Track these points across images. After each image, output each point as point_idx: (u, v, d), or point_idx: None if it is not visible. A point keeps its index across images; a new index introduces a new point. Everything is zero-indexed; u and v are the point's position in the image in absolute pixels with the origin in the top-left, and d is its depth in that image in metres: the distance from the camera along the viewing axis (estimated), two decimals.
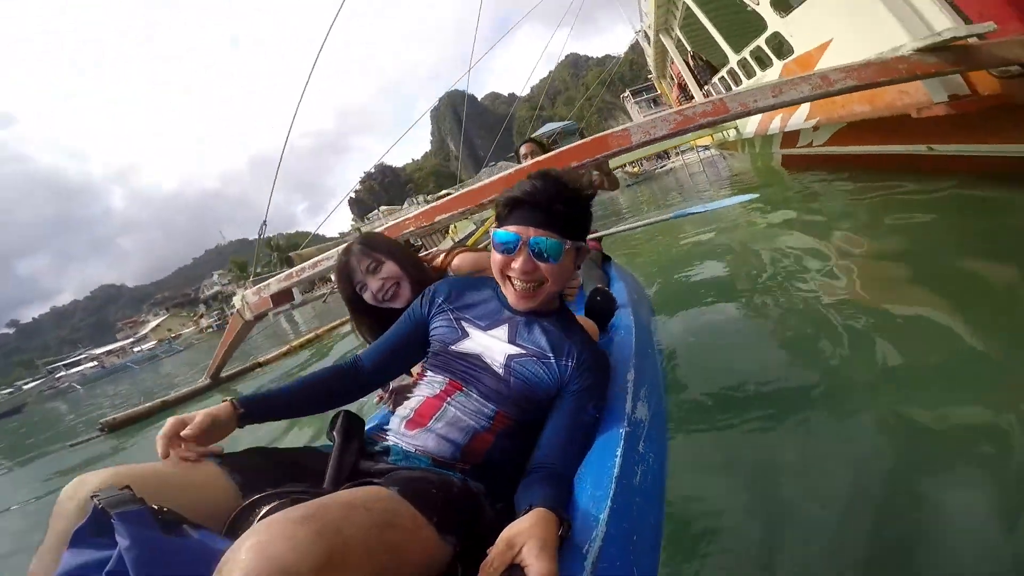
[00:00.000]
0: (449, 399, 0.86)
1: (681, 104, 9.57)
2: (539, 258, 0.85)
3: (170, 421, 0.75)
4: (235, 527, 0.65)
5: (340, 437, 0.82)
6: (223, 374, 5.18)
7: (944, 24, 2.55)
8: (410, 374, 1.17)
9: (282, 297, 3.39)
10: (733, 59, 5.89)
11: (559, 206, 0.85)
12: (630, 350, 1.22)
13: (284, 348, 6.22)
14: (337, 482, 0.75)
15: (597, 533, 0.62)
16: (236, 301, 3.87)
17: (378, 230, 2.80)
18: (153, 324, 60.04)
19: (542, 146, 2.57)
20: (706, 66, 7.50)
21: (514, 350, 0.88)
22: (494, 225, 0.90)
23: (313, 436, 2.44)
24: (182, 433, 0.74)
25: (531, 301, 0.88)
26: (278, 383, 0.91)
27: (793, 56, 4.20)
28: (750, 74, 5.57)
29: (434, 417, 0.84)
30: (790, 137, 5.28)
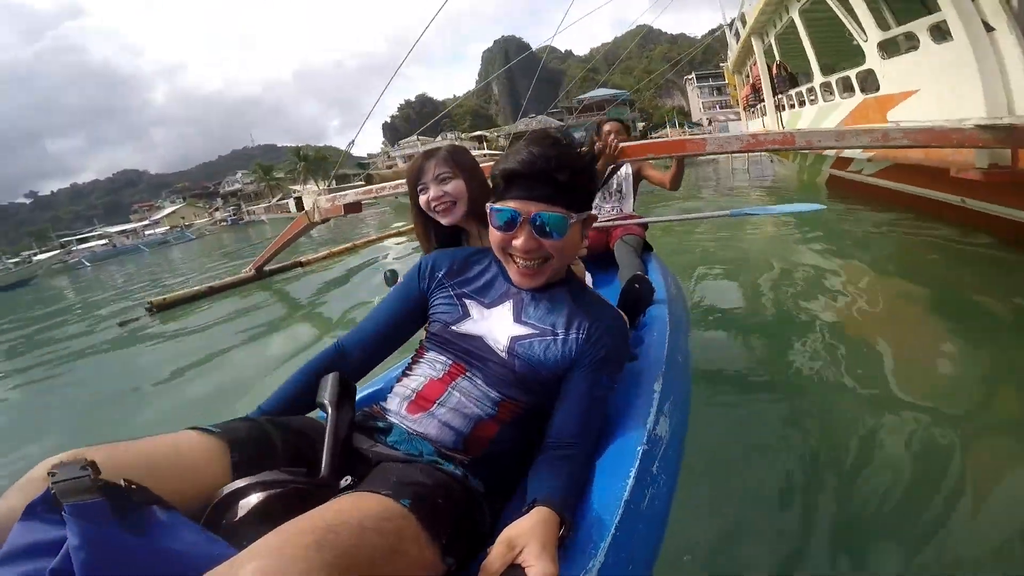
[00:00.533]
0: (453, 383, 0.81)
1: (748, 103, 9.43)
2: (542, 235, 0.78)
3: None
4: (216, 515, 0.61)
5: (332, 409, 0.77)
6: (267, 267, 5.49)
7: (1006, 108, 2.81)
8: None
9: (351, 208, 3.66)
10: (818, 79, 5.91)
11: (562, 176, 0.76)
12: (661, 355, 1.15)
13: (324, 252, 6.50)
14: (334, 467, 0.71)
15: (594, 564, 0.61)
16: (307, 203, 4.21)
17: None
18: (168, 211, 60.87)
19: (627, 129, 2.50)
20: (787, 76, 7.37)
21: (518, 331, 0.83)
22: (491, 199, 0.82)
23: None
24: None
25: (535, 279, 0.82)
26: (275, 383, 0.86)
27: (876, 94, 4.35)
28: (828, 97, 5.62)
29: (437, 401, 0.80)
30: (843, 161, 5.26)
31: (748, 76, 9.86)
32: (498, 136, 64.64)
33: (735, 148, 2.65)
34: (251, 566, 0.42)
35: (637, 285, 1.55)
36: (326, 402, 0.77)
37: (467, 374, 0.81)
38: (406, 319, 0.92)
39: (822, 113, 5.88)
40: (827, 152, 5.49)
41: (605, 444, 0.83)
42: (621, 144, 2.26)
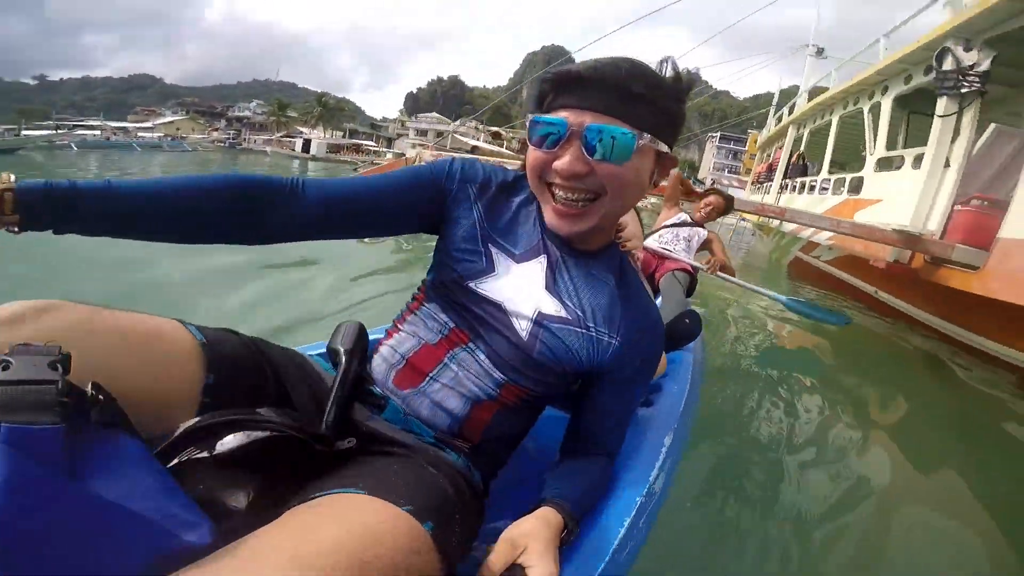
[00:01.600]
0: (450, 352, 0.67)
1: (759, 179, 10.13)
2: (595, 154, 0.57)
3: None
4: (173, 450, 0.48)
5: (346, 358, 0.66)
6: None
7: (933, 226, 3.63)
8: None
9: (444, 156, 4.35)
10: (823, 175, 6.80)
11: (637, 86, 0.57)
12: (678, 408, 1.15)
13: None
14: (337, 424, 0.60)
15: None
16: (411, 153, 4.65)
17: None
18: (168, 119, 59.73)
19: (730, 203, 2.81)
20: (802, 166, 8.11)
21: (548, 305, 0.66)
22: (530, 110, 0.64)
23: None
24: None
25: (577, 223, 0.62)
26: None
27: (856, 196, 5.22)
28: (823, 191, 6.50)
29: (430, 374, 0.66)
30: (811, 245, 5.78)
31: (769, 156, 10.52)
32: (513, 137, 65.24)
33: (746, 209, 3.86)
34: None
35: (688, 320, 1.50)
36: (340, 349, 0.67)
37: (469, 344, 0.66)
38: (404, 207, 0.69)
39: (812, 202, 6.49)
40: (801, 235, 6.02)
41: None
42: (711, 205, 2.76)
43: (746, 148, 54.61)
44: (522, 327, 0.65)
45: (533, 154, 0.61)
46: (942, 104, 3.84)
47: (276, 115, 55.25)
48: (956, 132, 3.76)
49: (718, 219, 2.96)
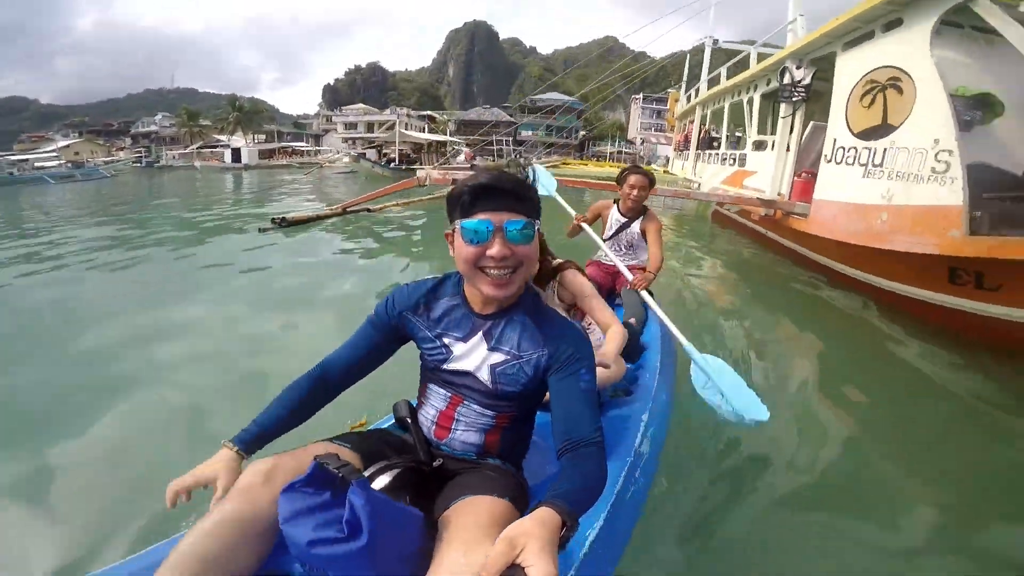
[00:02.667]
0: (456, 412, 1.04)
1: (680, 145, 12.57)
2: (514, 242, 0.88)
3: (183, 484, 0.88)
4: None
5: (413, 421, 1.10)
6: (349, 209, 7.90)
7: (784, 190, 5.82)
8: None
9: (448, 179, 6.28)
10: (723, 149, 9.03)
11: (521, 190, 0.90)
12: (649, 392, 1.54)
13: (397, 202, 8.74)
14: (427, 455, 1.05)
15: (584, 551, 0.89)
16: (419, 173, 6.55)
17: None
18: (61, 144, 54.74)
19: (652, 182, 2.66)
20: (709, 138, 10.32)
21: (495, 358, 1.00)
22: (456, 218, 0.90)
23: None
24: (215, 505, 0.84)
25: (508, 288, 0.92)
26: (266, 406, 1.02)
27: (743, 168, 7.45)
28: (724, 161, 8.64)
29: (451, 428, 1.05)
30: (719, 201, 8.09)
31: (685, 127, 12.80)
32: (448, 120, 65.49)
33: (668, 193, 6.23)
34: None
35: (632, 322, 2.02)
36: (405, 417, 1.10)
37: (464, 402, 1.03)
38: (379, 347, 1.08)
39: (718, 169, 8.75)
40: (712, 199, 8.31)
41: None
42: (639, 188, 2.63)
43: (667, 106, 58.48)
44: (486, 378, 1.00)
45: (466, 249, 0.88)
46: (782, 108, 5.98)
47: (187, 126, 52.23)
48: (791, 126, 5.92)
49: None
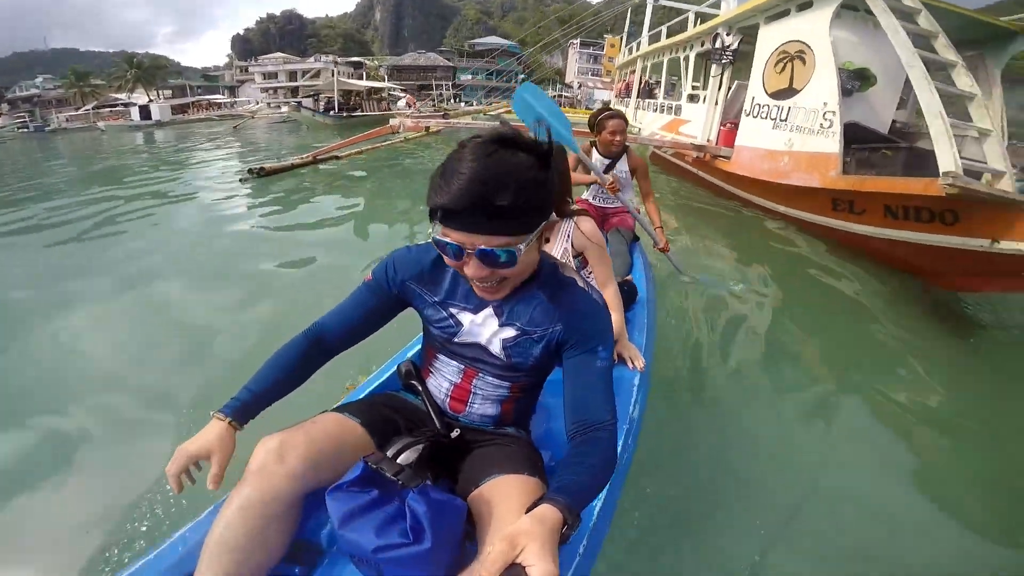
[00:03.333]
0: (472, 385, 1.02)
1: (621, 92, 13.61)
2: (492, 265, 0.78)
3: (177, 464, 0.83)
4: (385, 462, 0.82)
5: (423, 386, 1.08)
6: (319, 157, 8.36)
7: (712, 136, 6.77)
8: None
9: (430, 129, 7.94)
10: (660, 99, 10.15)
11: (504, 199, 0.70)
12: (640, 351, 1.58)
13: (361, 149, 9.07)
14: (444, 425, 1.03)
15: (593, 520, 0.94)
16: (392, 121, 7.23)
17: None
18: None
19: (626, 121, 2.71)
20: (648, 88, 11.29)
21: (506, 333, 0.95)
22: (433, 224, 0.77)
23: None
24: (212, 484, 0.84)
25: (495, 294, 0.87)
26: (251, 373, 0.96)
27: (679, 116, 8.57)
28: (661, 110, 9.73)
29: (468, 401, 1.04)
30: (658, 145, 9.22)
31: (626, 76, 13.72)
32: (379, 66, 62.37)
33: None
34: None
35: (625, 288, 1.92)
36: (416, 384, 1.08)
37: (479, 375, 1.01)
38: (378, 314, 1.02)
39: (656, 117, 9.83)
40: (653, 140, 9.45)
41: None
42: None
43: (604, 52, 59.09)
44: (498, 351, 0.96)
45: (447, 260, 0.82)
46: (713, 67, 7.01)
47: (76, 86, 46.83)
48: (720, 84, 6.99)
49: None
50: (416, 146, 11.23)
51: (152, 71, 47.60)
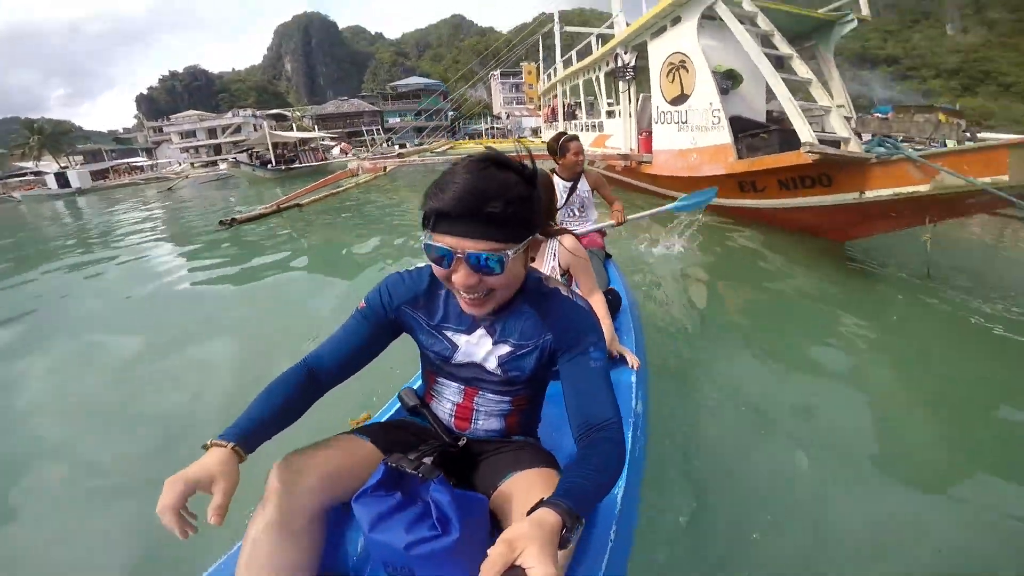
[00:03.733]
0: (473, 403, 1.05)
1: (548, 117, 14.82)
2: (480, 272, 0.80)
3: (174, 494, 0.71)
4: (401, 471, 0.83)
5: (428, 409, 1.09)
6: (283, 206, 9.04)
7: (633, 146, 7.94)
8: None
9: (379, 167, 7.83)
10: (582, 119, 11.48)
11: (496, 207, 0.75)
12: (632, 351, 1.67)
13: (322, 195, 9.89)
14: (451, 436, 1.05)
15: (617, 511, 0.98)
16: (351, 165, 7.76)
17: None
18: None
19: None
20: (571, 110, 12.47)
21: (501, 350, 0.97)
22: (425, 232, 0.81)
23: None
24: (214, 518, 0.71)
25: (483, 308, 0.87)
26: (248, 405, 0.89)
27: (603, 132, 9.68)
28: (585, 128, 10.87)
29: (472, 419, 1.06)
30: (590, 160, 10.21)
31: (550, 102, 15.09)
32: (303, 116, 62.26)
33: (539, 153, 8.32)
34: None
35: (610, 297, 2.02)
36: (418, 406, 1.10)
37: (480, 393, 1.03)
38: (373, 341, 1.00)
39: (585, 136, 10.96)
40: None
41: None
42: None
43: (524, 79, 62.58)
44: (495, 368, 0.98)
45: (436, 268, 0.83)
46: (621, 84, 8.10)
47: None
48: (629, 98, 8.07)
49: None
50: (365, 191, 11.66)
51: (56, 136, 45.03)
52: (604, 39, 9.81)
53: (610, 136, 9.25)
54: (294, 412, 0.94)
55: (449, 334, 0.99)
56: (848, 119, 5.79)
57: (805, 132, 4.42)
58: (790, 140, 4.78)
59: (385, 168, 9.83)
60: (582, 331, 0.92)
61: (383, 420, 1.25)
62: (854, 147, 4.51)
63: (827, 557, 1.51)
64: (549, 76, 14.59)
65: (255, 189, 16.32)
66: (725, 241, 5.49)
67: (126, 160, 41.63)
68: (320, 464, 0.88)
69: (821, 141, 4.43)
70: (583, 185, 2.91)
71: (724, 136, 5.55)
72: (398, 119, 57.36)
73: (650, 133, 7.47)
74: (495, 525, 0.86)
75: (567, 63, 12.24)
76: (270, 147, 22.08)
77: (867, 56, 64.04)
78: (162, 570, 1.51)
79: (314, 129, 45.87)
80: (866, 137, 5.62)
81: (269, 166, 21.07)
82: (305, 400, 0.96)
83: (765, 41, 5.25)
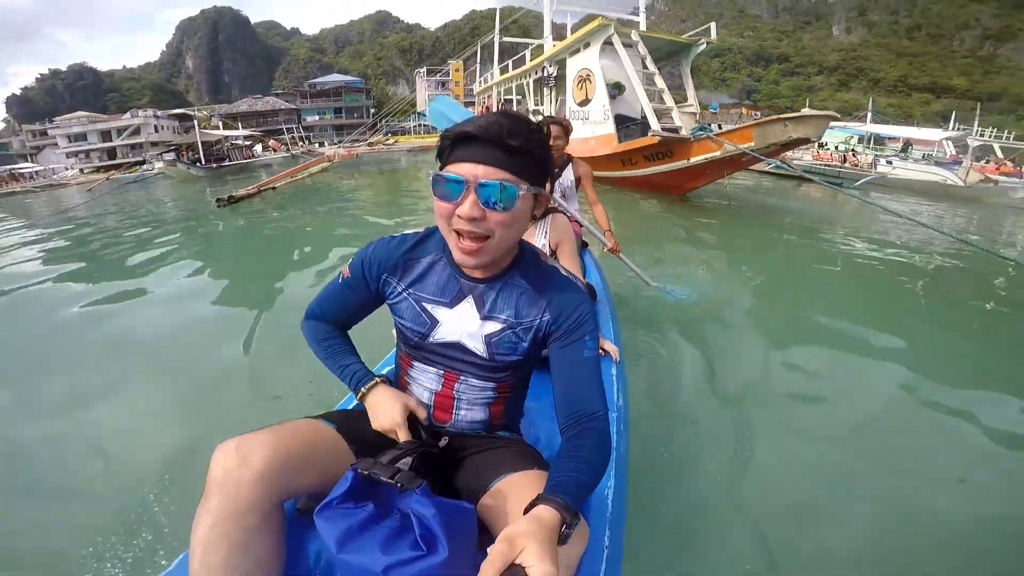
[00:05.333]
0: (454, 390, 0.97)
1: (482, 113, 20.73)
2: (488, 205, 0.77)
3: (396, 414, 0.90)
4: (376, 472, 0.77)
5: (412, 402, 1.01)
6: (263, 188, 10.68)
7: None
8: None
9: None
10: None
11: (515, 140, 0.76)
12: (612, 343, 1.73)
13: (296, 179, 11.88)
14: (432, 435, 0.95)
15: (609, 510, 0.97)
16: (327, 152, 10.48)
17: None
18: None
19: (567, 131, 2.61)
20: (505, 109, 15.84)
21: (488, 328, 0.91)
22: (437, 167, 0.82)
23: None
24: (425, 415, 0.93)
25: (477, 256, 0.82)
26: (336, 356, 1.00)
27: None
28: None
29: (454, 409, 0.98)
30: None
31: (485, 100, 18.06)
32: (211, 115, 60.70)
33: None
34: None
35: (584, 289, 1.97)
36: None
37: (461, 378, 0.96)
38: (359, 309, 1.02)
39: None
40: None
41: None
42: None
43: (450, 77, 64.83)
44: (480, 350, 0.92)
45: (440, 205, 0.80)
46: (545, 90, 11.17)
47: None
48: (552, 101, 11.16)
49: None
50: (316, 181, 13.84)
51: None
52: (533, 52, 12.88)
53: None
54: (351, 343, 1.05)
55: (428, 306, 0.93)
56: (694, 114, 9.19)
57: (654, 123, 7.63)
58: (648, 129, 7.93)
59: (357, 155, 12.36)
60: (581, 318, 0.89)
61: (348, 408, 1.15)
62: (684, 132, 7.75)
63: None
64: (486, 80, 17.56)
65: (187, 188, 16.99)
66: (621, 200, 8.57)
67: (7, 167, 38.90)
68: (267, 448, 0.77)
69: (665, 129, 7.62)
70: (567, 174, 2.82)
71: (611, 128, 8.72)
72: (316, 117, 57.67)
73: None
74: (482, 534, 0.78)
75: (503, 70, 15.41)
76: (200, 146, 23.32)
77: (763, 54, 73.12)
78: None
79: (220, 128, 45.48)
80: (715, 128, 8.99)
81: (199, 164, 22.39)
82: (345, 334, 1.05)
83: (644, 62, 8.43)
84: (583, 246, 2.82)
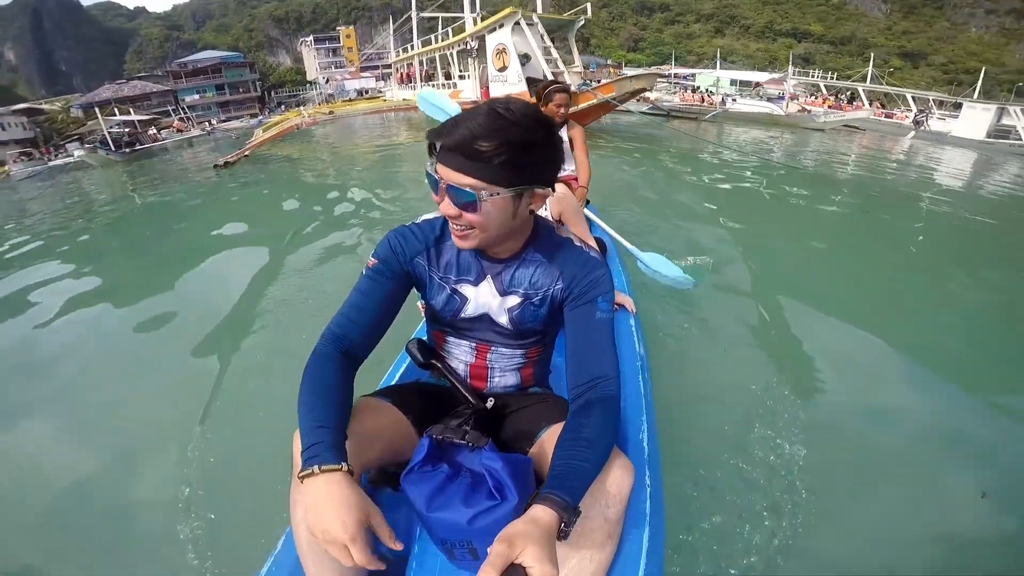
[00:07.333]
0: (487, 360, 1.10)
1: (402, 79, 23.00)
2: (459, 206, 0.84)
3: (354, 537, 0.74)
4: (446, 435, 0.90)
5: (442, 363, 1.12)
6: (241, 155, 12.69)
7: (477, 96, 15.75)
8: None
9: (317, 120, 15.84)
10: (439, 81, 19.38)
11: (486, 145, 0.78)
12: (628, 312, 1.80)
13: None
14: (479, 397, 1.06)
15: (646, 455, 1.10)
16: (295, 120, 17.28)
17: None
18: None
19: (571, 96, 2.71)
20: (427, 75, 19.16)
21: (509, 302, 1.02)
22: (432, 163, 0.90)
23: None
24: (396, 545, 0.79)
25: (466, 242, 0.90)
26: (308, 412, 0.85)
27: (457, 89, 18.19)
28: (442, 87, 18.16)
29: (488, 378, 1.12)
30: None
31: (406, 67, 21.29)
32: (68, 106, 56.79)
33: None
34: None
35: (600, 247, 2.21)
36: (435, 362, 1.12)
37: (492, 348, 1.09)
38: (392, 298, 1.02)
39: (442, 93, 18.24)
40: None
41: None
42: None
43: (342, 43, 64.48)
44: (504, 321, 1.04)
45: (432, 195, 0.89)
46: (469, 60, 15.68)
47: None
48: (475, 68, 15.51)
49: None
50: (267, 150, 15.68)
51: None
52: (446, 23, 17.21)
53: (462, 91, 16.68)
54: (349, 404, 0.93)
55: (457, 286, 1.03)
56: (579, 72, 13.79)
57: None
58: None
59: (315, 120, 17.44)
60: (592, 281, 0.96)
61: (393, 383, 1.32)
62: (573, 87, 12.12)
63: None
64: (406, 49, 21.58)
65: (107, 168, 19.20)
66: None
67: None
68: (354, 427, 0.88)
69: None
70: (562, 135, 2.84)
71: (524, 87, 13.13)
72: (197, 96, 56.09)
73: (487, 88, 14.76)
74: (537, 482, 0.91)
75: (426, 43, 19.65)
76: (106, 133, 24.86)
77: (647, 4, 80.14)
78: None
79: (83, 117, 43.80)
80: (593, 84, 13.54)
81: (114, 150, 24.08)
82: (351, 386, 0.94)
83: (543, 37, 12.74)
84: (586, 203, 2.94)
